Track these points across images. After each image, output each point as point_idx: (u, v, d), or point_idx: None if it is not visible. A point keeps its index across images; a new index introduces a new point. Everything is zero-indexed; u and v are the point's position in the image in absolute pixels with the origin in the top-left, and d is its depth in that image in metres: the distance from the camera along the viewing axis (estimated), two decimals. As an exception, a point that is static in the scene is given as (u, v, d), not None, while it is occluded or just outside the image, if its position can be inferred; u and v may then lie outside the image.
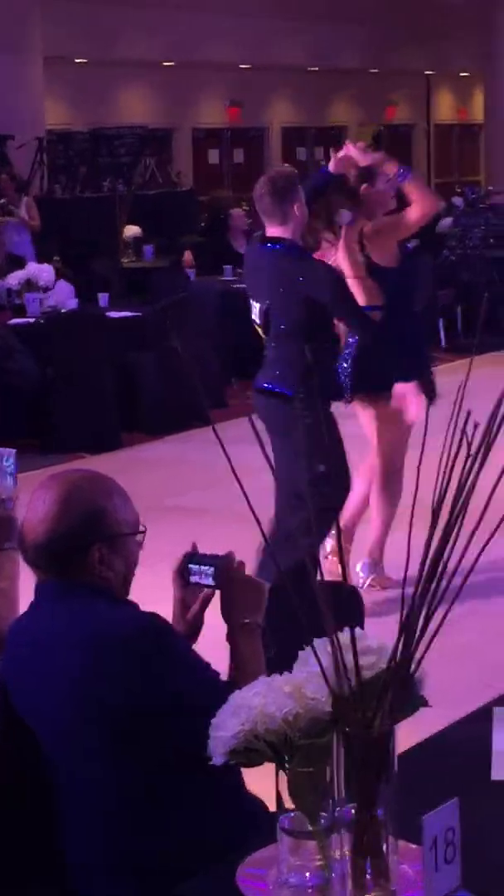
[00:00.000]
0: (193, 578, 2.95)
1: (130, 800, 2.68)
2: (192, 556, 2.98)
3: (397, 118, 27.29)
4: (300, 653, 2.25)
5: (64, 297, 10.77)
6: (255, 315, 6.00)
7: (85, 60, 19.77)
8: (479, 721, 2.84)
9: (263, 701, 2.20)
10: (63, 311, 10.58)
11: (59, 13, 18.05)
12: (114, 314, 10.83)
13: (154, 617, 2.75)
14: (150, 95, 21.71)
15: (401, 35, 23.92)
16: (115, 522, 2.81)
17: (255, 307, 5.98)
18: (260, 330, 6.03)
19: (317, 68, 23.90)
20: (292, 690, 2.20)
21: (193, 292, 11.85)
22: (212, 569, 2.92)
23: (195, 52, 20.94)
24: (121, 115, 20.58)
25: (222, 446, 2.17)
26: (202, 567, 2.93)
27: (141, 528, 2.87)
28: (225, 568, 2.91)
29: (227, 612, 2.92)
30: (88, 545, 2.77)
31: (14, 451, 4.03)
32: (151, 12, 19.64)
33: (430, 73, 26.99)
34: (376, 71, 25.22)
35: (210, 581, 2.92)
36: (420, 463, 2.13)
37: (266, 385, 5.94)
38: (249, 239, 6.48)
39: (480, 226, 15.20)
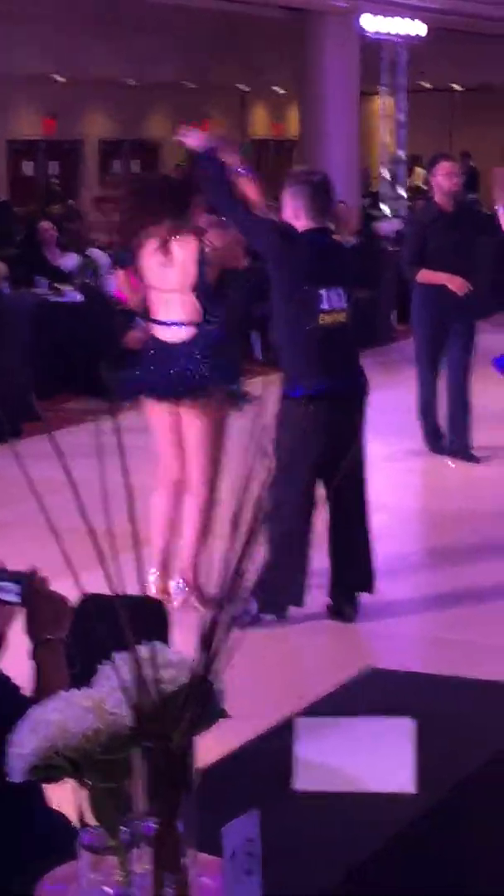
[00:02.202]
0: None
1: None
2: None
3: (214, 133, 27.43)
4: (101, 667, 2.24)
5: None
6: (333, 301, 6.27)
7: None
8: (284, 732, 2.86)
9: (62, 717, 2.18)
10: None
11: None
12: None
13: None
14: (-37, 107, 21.50)
15: (216, 50, 24.03)
16: None
17: (332, 293, 6.27)
18: (334, 316, 6.27)
19: (133, 81, 23.90)
20: (92, 705, 2.19)
21: (6, 305, 11.75)
22: (16, 585, 2.89)
23: (10, 64, 20.75)
24: None
25: (19, 461, 2.15)
26: (5, 584, 2.90)
27: None
28: (29, 584, 2.89)
29: (30, 629, 2.90)
30: None
31: None
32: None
33: (246, 88, 27.18)
34: (193, 86, 25.30)
35: (14, 598, 2.90)
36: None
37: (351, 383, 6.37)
38: (296, 231, 6.34)
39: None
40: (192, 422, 6.42)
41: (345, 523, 6.41)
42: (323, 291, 6.24)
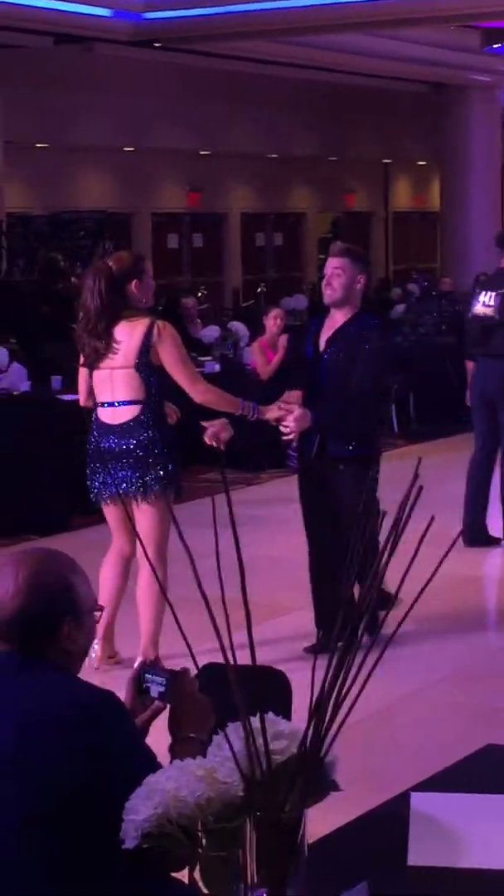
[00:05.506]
0: (147, 687, 3.02)
1: (52, 880, 2.66)
2: (149, 667, 3.08)
3: (356, 205, 27.58)
4: (215, 737, 2.28)
5: (17, 379, 10.81)
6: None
7: (45, 145, 19.92)
8: (399, 805, 2.86)
9: (176, 785, 2.22)
10: (15, 393, 10.62)
11: (19, 98, 18.22)
12: (66, 397, 10.87)
13: (113, 694, 2.80)
14: (110, 180, 21.86)
15: (359, 124, 24.22)
16: (81, 597, 2.87)
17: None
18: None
19: (276, 155, 24.16)
20: (204, 774, 2.22)
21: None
22: (164, 681, 2.98)
23: (155, 138, 21.13)
24: (80, 199, 20.72)
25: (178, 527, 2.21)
26: (156, 678, 3.01)
27: (99, 605, 2.96)
28: (177, 683, 2.97)
29: (173, 725, 2.96)
30: (60, 620, 2.83)
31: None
32: (111, 98, 19.82)
33: (388, 161, 27.32)
34: (335, 159, 25.50)
35: (162, 692, 2.98)
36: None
37: None
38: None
39: (433, 312, 15.35)
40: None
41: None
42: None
